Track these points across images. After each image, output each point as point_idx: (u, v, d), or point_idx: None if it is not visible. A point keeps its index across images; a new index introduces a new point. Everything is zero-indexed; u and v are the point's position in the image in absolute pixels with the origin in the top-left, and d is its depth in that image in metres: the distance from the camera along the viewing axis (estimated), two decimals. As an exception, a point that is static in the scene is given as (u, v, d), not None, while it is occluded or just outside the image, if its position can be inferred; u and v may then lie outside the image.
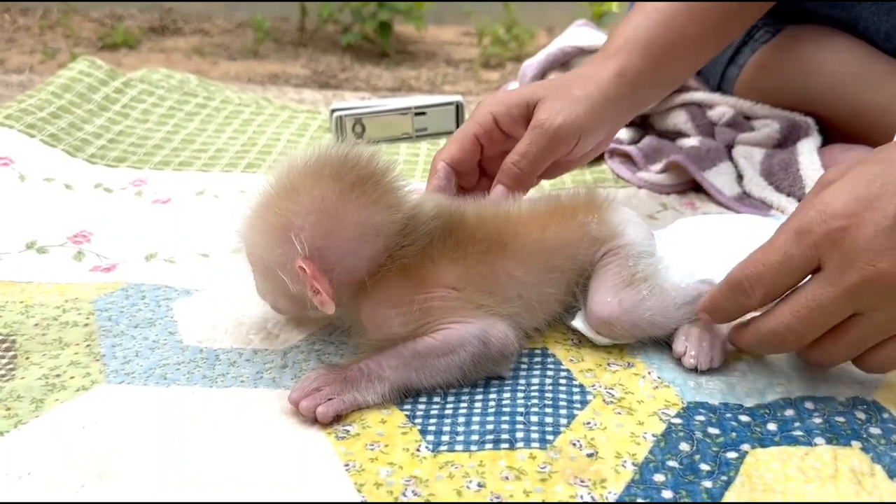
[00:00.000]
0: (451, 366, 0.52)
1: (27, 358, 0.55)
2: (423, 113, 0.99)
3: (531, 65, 1.02)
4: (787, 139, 0.88)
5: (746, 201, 0.83)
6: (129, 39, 2.56)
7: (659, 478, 0.45)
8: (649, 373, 0.55)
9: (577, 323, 0.57)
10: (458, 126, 1.01)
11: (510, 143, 0.66)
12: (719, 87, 0.98)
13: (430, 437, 0.48)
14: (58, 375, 0.53)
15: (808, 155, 0.82)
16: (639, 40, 0.71)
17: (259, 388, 0.52)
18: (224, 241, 0.71)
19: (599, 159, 0.92)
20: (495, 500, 0.43)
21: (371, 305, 0.53)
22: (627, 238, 0.58)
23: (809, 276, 0.49)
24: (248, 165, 0.89)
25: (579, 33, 1.02)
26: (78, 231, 0.72)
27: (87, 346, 0.56)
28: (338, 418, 0.49)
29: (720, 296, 0.52)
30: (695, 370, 0.55)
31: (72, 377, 0.53)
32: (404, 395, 0.51)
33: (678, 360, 0.56)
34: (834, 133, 0.88)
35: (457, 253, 0.54)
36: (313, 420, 0.49)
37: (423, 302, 0.52)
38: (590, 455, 0.47)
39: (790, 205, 0.80)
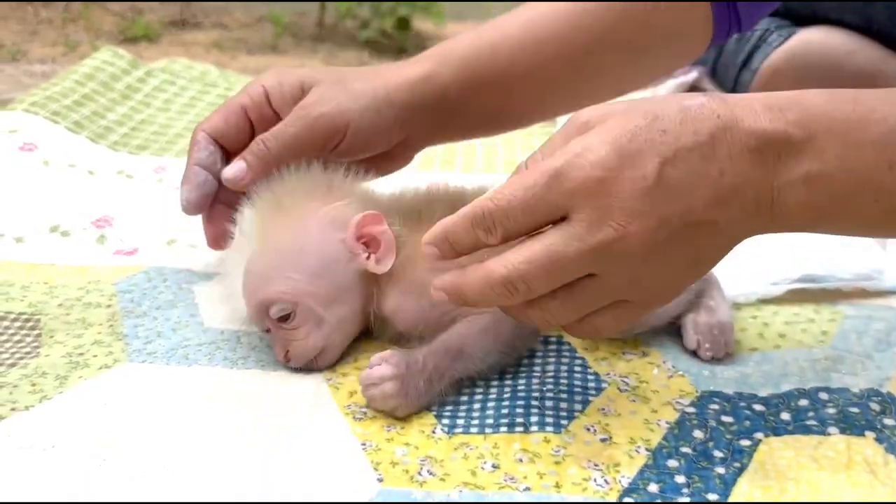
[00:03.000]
0: (493, 349, 0.52)
1: (51, 337, 0.56)
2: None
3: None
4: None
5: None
6: (150, 33, 2.58)
7: (672, 463, 0.46)
8: (664, 362, 0.55)
9: None
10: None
11: (275, 122, 0.60)
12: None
13: (446, 421, 0.49)
14: (81, 354, 0.54)
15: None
16: (455, 53, 0.64)
17: (279, 371, 0.53)
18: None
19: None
20: (509, 482, 0.44)
21: (393, 301, 0.54)
22: None
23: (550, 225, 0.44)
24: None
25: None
26: (100, 216, 0.73)
27: (110, 326, 0.57)
28: (354, 397, 0.50)
29: (458, 227, 0.45)
30: (711, 360, 0.55)
31: (95, 355, 0.54)
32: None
33: (693, 353, 0.56)
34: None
35: None
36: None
37: None
38: (603, 440, 0.47)
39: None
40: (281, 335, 0.52)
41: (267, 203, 0.54)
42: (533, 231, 0.44)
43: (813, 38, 0.90)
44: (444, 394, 0.50)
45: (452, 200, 0.55)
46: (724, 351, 0.55)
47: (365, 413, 0.49)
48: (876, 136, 0.43)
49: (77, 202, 0.75)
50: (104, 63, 1.02)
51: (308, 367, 0.53)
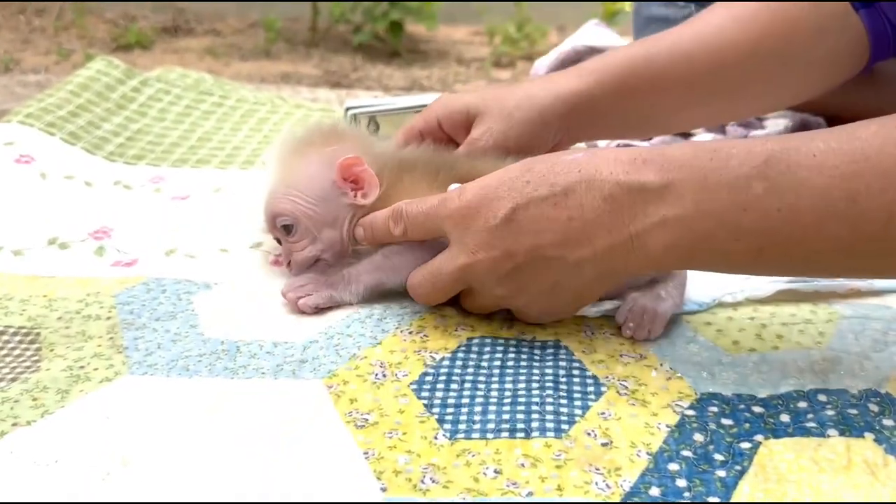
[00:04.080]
0: (415, 264, 0.60)
1: (52, 350, 0.56)
2: (437, 110, 0.99)
3: (543, 64, 1.02)
4: (798, 135, 0.88)
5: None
6: (143, 40, 2.58)
7: (673, 467, 0.46)
8: (661, 364, 0.56)
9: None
10: (471, 123, 1.02)
11: (453, 145, 0.71)
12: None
13: (448, 426, 0.49)
14: (82, 367, 0.54)
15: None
16: (610, 65, 0.70)
17: (279, 379, 0.53)
18: (243, 235, 0.72)
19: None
20: (511, 487, 0.44)
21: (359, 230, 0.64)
22: None
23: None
24: (266, 163, 0.90)
25: (592, 33, 1.03)
26: (99, 227, 0.73)
27: (110, 338, 0.57)
28: (355, 404, 0.50)
29: (378, 216, 0.61)
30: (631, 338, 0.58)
31: (95, 369, 0.54)
32: (375, 294, 0.62)
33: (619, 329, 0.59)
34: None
35: (432, 181, 0.63)
36: (296, 309, 0.60)
37: None
38: (604, 444, 0.48)
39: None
40: (286, 247, 0.65)
41: (284, 148, 0.67)
42: (421, 239, 0.59)
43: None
44: (361, 297, 0.61)
45: (434, 157, 0.66)
46: (644, 335, 0.58)
47: (366, 420, 0.49)
48: (730, 180, 0.48)
49: (75, 214, 0.75)
50: (98, 73, 1.02)
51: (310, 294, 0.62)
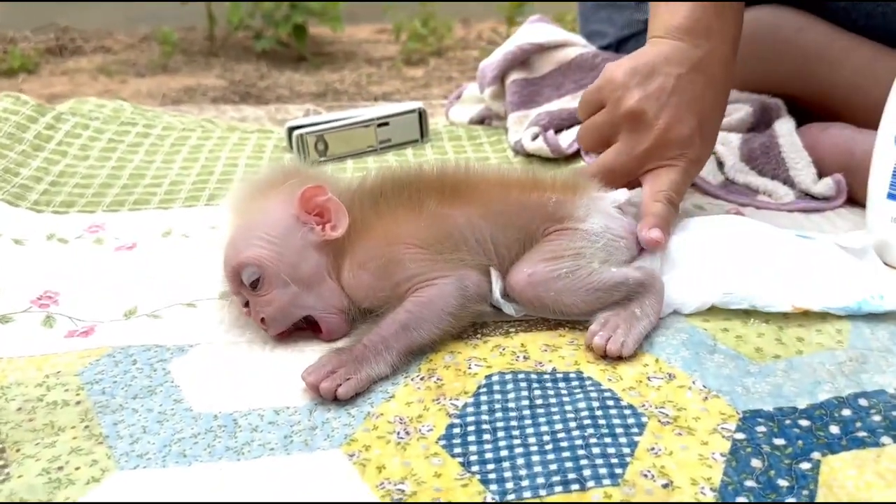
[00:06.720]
0: (442, 315, 0.55)
1: (18, 451, 0.48)
2: (386, 123, 0.94)
3: (490, 65, 0.98)
4: (760, 122, 0.88)
5: (731, 188, 0.82)
6: (27, 63, 2.40)
7: (741, 501, 0.43)
8: (693, 382, 0.53)
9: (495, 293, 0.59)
10: (422, 134, 0.97)
11: None
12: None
13: (494, 486, 0.45)
14: (60, 468, 0.46)
15: (788, 136, 0.82)
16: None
17: (292, 454, 0.47)
18: (208, 285, 0.65)
19: (577, 156, 0.90)
20: (592, 555, 0.40)
21: (347, 275, 0.58)
22: (582, 224, 0.60)
23: None
24: (211, 197, 0.82)
25: (536, 30, 1.00)
26: (41, 292, 0.64)
27: (86, 427, 0.50)
28: (385, 472, 0.45)
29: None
30: (604, 356, 0.55)
31: (77, 468, 0.46)
32: (411, 357, 0.55)
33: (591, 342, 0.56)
34: (804, 112, 0.88)
35: (412, 205, 0.59)
36: (333, 399, 0.51)
37: (389, 255, 0.57)
38: (665, 486, 0.44)
39: (777, 188, 0.79)
40: (254, 302, 0.57)
41: (235, 196, 0.61)
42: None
43: (762, 17, 0.89)
44: (395, 365, 0.54)
45: (402, 181, 0.61)
46: (618, 350, 0.55)
47: (403, 492, 0.44)
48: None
49: (11, 279, 0.66)
50: (6, 111, 0.91)
51: (329, 340, 0.58)
